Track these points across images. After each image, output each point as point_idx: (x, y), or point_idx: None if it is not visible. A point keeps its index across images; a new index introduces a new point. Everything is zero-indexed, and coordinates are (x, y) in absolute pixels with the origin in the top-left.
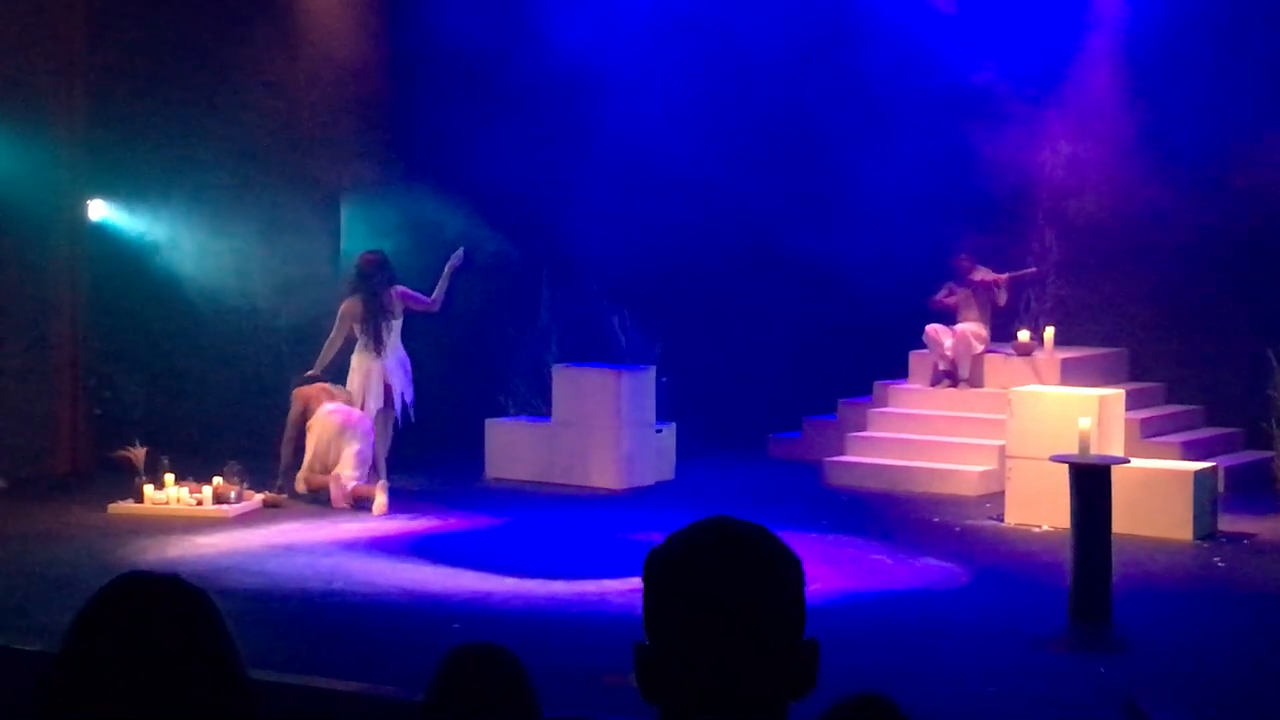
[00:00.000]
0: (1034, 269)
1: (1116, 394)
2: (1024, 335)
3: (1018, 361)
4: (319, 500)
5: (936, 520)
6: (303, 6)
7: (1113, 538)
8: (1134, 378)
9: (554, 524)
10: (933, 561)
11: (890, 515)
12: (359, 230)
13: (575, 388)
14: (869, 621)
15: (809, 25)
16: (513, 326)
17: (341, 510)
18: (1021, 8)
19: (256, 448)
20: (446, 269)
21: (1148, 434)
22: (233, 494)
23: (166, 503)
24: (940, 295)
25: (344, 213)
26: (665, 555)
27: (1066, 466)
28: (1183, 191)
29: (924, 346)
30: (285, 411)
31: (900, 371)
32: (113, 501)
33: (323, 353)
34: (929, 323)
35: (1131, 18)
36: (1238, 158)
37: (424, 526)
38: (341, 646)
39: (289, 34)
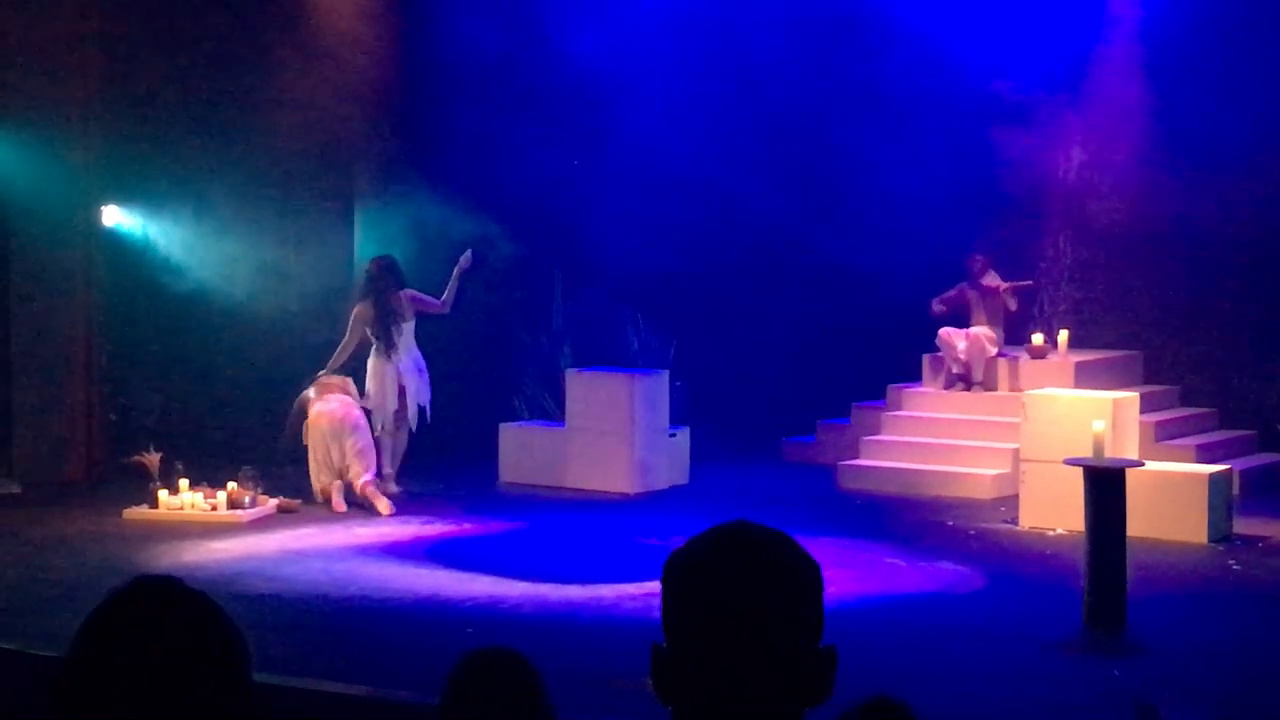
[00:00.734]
0: (1030, 282)
1: (1131, 397)
2: (1038, 338)
3: (1032, 364)
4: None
5: (950, 524)
6: (318, 14)
7: (1127, 541)
8: (1148, 380)
9: (568, 528)
10: (947, 565)
11: (904, 519)
12: (374, 236)
13: (589, 392)
14: (883, 625)
15: (823, 28)
16: (526, 331)
17: (344, 514)
18: (1038, 9)
19: (271, 453)
20: (455, 271)
21: (1162, 437)
22: (247, 499)
23: (181, 508)
24: (938, 302)
25: (359, 218)
26: (685, 558)
27: (1081, 470)
28: (1198, 194)
29: (937, 350)
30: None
31: (914, 375)
32: (128, 507)
33: (335, 356)
34: (941, 326)
35: (1148, 20)
36: (1254, 160)
37: (438, 531)
38: (356, 651)
39: (304, 40)
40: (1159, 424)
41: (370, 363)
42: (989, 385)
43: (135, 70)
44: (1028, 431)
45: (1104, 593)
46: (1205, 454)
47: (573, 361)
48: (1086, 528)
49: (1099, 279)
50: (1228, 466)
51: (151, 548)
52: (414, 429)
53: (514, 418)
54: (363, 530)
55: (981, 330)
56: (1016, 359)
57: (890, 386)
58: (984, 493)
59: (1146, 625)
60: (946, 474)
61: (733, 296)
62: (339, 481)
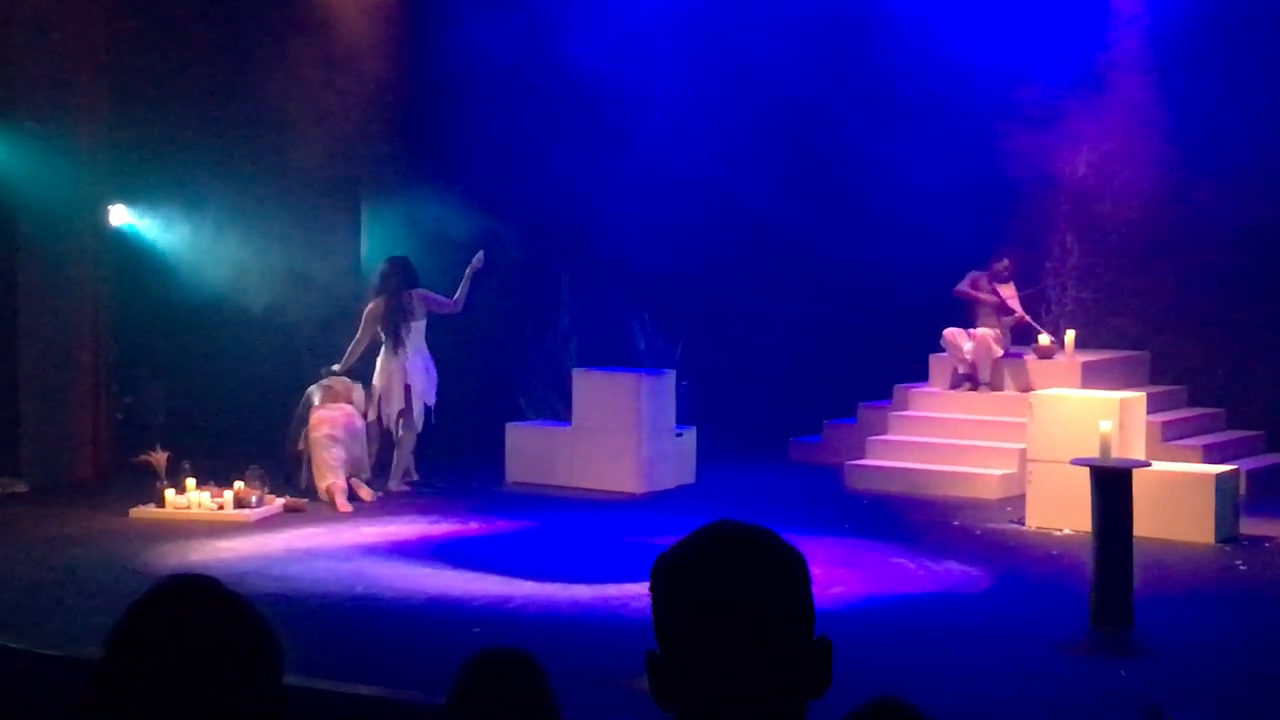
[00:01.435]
0: (1052, 341)
1: (1138, 397)
2: (1045, 338)
3: (1038, 364)
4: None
5: (957, 524)
6: (328, 17)
7: (1134, 541)
8: (1155, 380)
9: (574, 528)
10: (953, 565)
11: (911, 519)
12: (380, 236)
13: (595, 392)
14: (889, 625)
15: (829, 29)
16: (532, 331)
17: (350, 514)
18: (1046, 10)
19: (278, 452)
20: (468, 271)
21: (1169, 437)
22: (254, 498)
23: (188, 507)
24: (965, 285)
25: (366, 219)
26: (671, 562)
27: (1087, 470)
28: (1207, 194)
29: (943, 350)
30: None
31: (920, 375)
32: (135, 506)
33: (348, 352)
34: (947, 326)
35: (1157, 21)
36: (1263, 161)
37: (445, 531)
38: (362, 650)
39: (313, 40)
40: (1166, 424)
41: (379, 360)
42: (995, 385)
43: (142, 71)
44: (1034, 432)
45: (1110, 593)
46: (1212, 454)
47: (579, 361)
48: (1093, 528)
49: (1106, 279)
50: (1234, 467)
51: (158, 547)
52: (419, 428)
53: (521, 417)
54: (369, 530)
55: (988, 331)
56: (1023, 359)
57: (896, 386)
58: (991, 493)
59: (1153, 625)
60: (953, 474)
61: (739, 296)
62: (341, 483)
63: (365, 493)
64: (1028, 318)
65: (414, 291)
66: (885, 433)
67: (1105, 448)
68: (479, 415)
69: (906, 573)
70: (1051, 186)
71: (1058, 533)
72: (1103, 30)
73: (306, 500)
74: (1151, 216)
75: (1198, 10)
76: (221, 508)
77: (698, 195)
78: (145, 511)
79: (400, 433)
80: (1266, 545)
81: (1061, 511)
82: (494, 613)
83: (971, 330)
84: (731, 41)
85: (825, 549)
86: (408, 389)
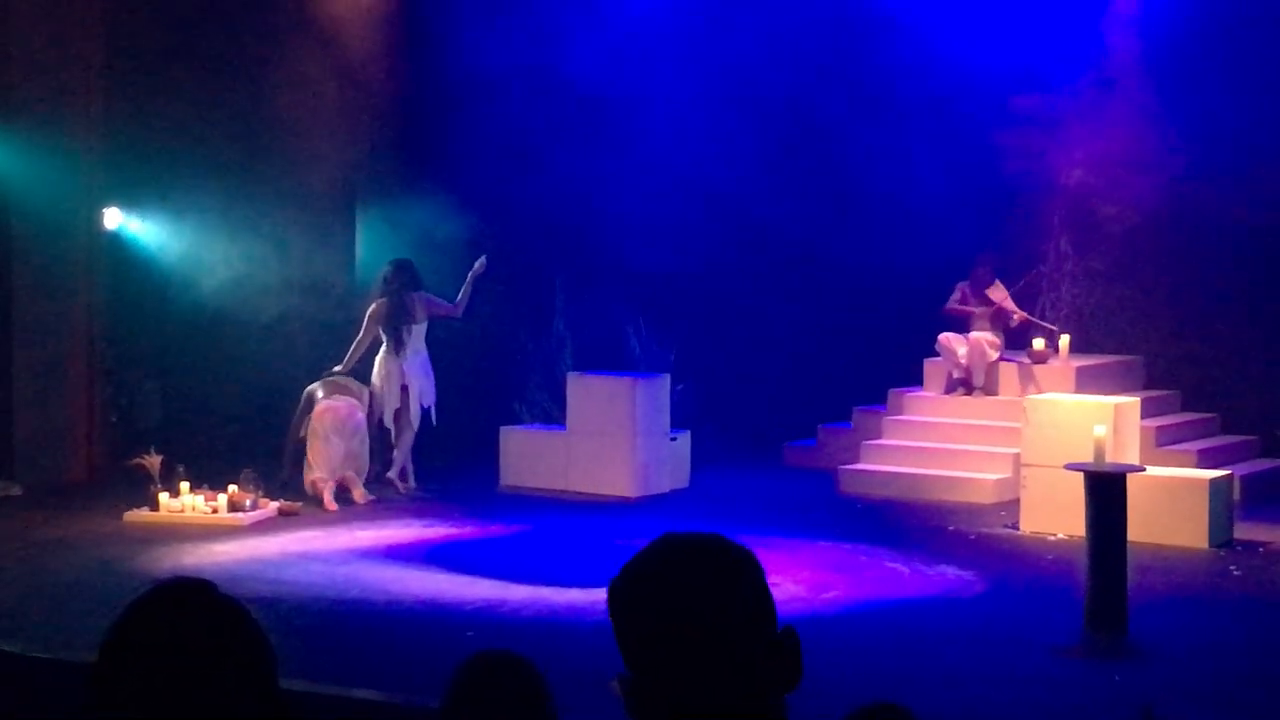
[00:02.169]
0: (1056, 328)
1: (1132, 402)
2: (1039, 343)
3: (1033, 369)
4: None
5: (951, 528)
6: (325, 16)
7: (1128, 546)
8: (1149, 385)
9: (569, 532)
10: (948, 570)
11: (905, 523)
12: (376, 240)
13: (590, 395)
14: (884, 629)
15: (826, 34)
16: (528, 334)
17: (339, 513)
18: (1043, 14)
19: (272, 456)
20: (470, 275)
21: (1163, 442)
22: (248, 502)
23: (182, 510)
24: (953, 302)
25: (360, 223)
26: (627, 581)
27: (1082, 474)
28: (1202, 199)
29: (938, 354)
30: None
31: (915, 379)
32: (128, 509)
33: (350, 353)
34: (942, 330)
35: (1153, 24)
36: (1259, 165)
37: (439, 534)
38: (357, 654)
39: (310, 43)
40: (1160, 429)
41: (378, 360)
42: (990, 390)
43: (138, 72)
44: (1029, 436)
45: (1105, 597)
46: (1206, 459)
47: (574, 365)
48: (1087, 533)
49: (1101, 283)
50: (1229, 472)
51: (152, 550)
52: (416, 429)
53: (515, 421)
54: (364, 533)
55: (983, 335)
56: (1018, 363)
57: (891, 390)
58: (985, 497)
59: (1147, 630)
60: (947, 478)
61: (734, 300)
62: (332, 481)
63: (358, 494)
64: (1029, 317)
65: (416, 294)
66: (880, 437)
67: (1099, 452)
68: (474, 418)
69: (901, 577)
70: (1047, 191)
71: (1052, 537)
72: (1101, 34)
73: (301, 504)
74: (1147, 221)
75: (1195, 14)
76: (215, 511)
77: (693, 199)
78: (139, 515)
79: (397, 433)
80: (1261, 550)
81: (1056, 516)
82: (488, 616)
83: (967, 335)
84: (728, 46)
85: (819, 553)
86: (404, 389)
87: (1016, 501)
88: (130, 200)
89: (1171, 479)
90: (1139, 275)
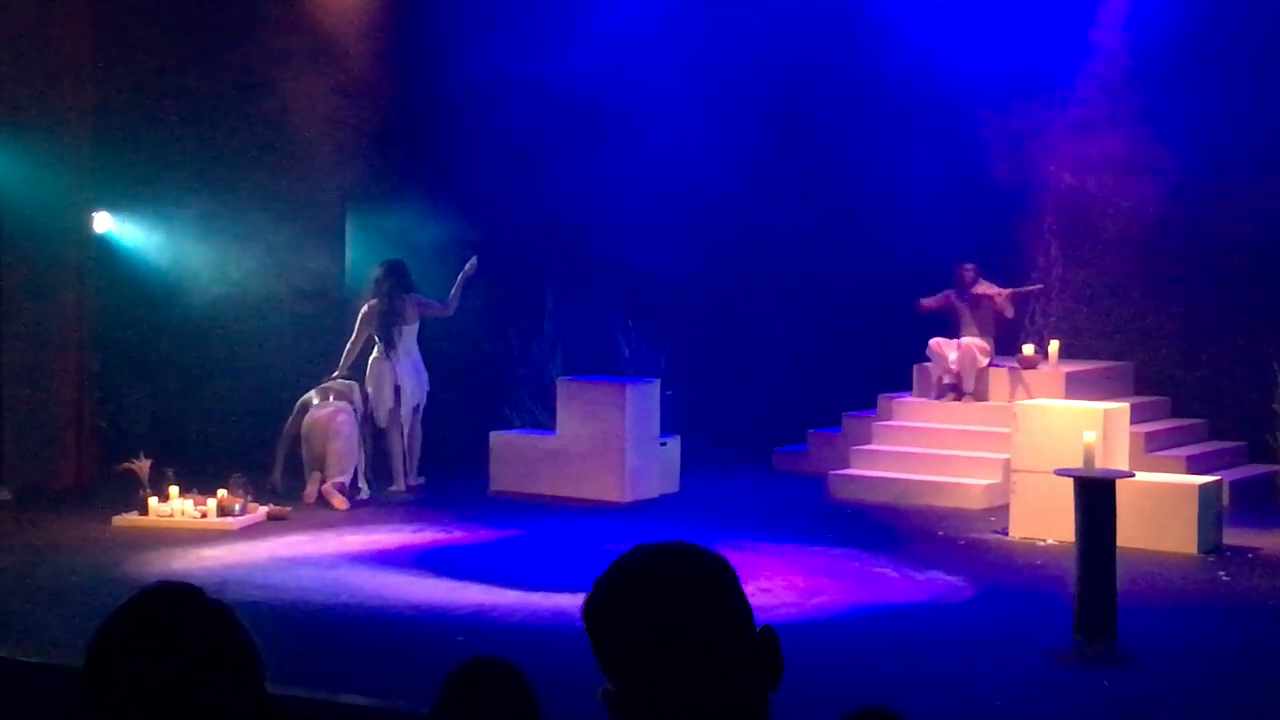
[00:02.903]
0: (1039, 285)
1: (1121, 408)
2: (1029, 349)
3: (1023, 374)
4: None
5: (941, 534)
6: (316, 21)
7: (1117, 551)
8: (1139, 391)
9: (558, 537)
10: (937, 575)
11: (895, 528)
12: (365, 244)
13: (580, 400)
14: (874, 635)
15: (815, 36)
16: (517, 339)
17: (332, 520)
18: (1031, 18)
19: (261, 460)
20: (460, 276)
21: (1152, 448)
22: (237, 506)
23: (171, 515)
24: (928, 300)
25: (350, 227)
26: (600, 599)
27: (1071, 480)
28: (1189, 204)
29: (927, 360)
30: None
31: (905, 385)
32: (117, 514)
33: (344, 355)
34: (933, 335)
35: (1140, 29)
36: (1246, 171)
37: (428, 539)
38: (346, 659)
39: (299, 48)
40: (1149, 434)
41: (370, 362)
42: (980, 395)
43: (128, 78)
44: (1018, 442)
45: (1094, 603)
46: (1195, 465)
47: (564, 370)
48: (1077, 538)
49: (1090, 289)
50: (1218, 478)
51: (141, 555)
52: (406, 428)
53: (505, 426)
54: (353, 538)
55: (973, 341)
56: (1008, 369)
57: (881, 396)
58: (974, 503)
59: (1137, 635)
60: (937, 484)
61: (724, 305)
62: (317, 473)
63: (338, 501)
64: (1014, 290)
65: (408, 295)
66: (870, 442)
67: (1089, 458)
68: (463, 423)
69: (890, 582)
70: (1038, 196)
71: (1041, 543)
72: (1092, 41)
73: (290, 508)
74: (1138, 227)
75: (1187, 20)
76: (205, 516)
77: (684, 204)
78: (128, 519)
79: (391, 435)
80: (1249, 556)
81: (1045, 522)
82: (478, 621)
83: (958, 341)
84: (719, 51)
85: (809, 559)
86: (397, 390)
87: (1006, 507)
88: (120, 204)
89: (1161, 485)
90: (1129, 281)
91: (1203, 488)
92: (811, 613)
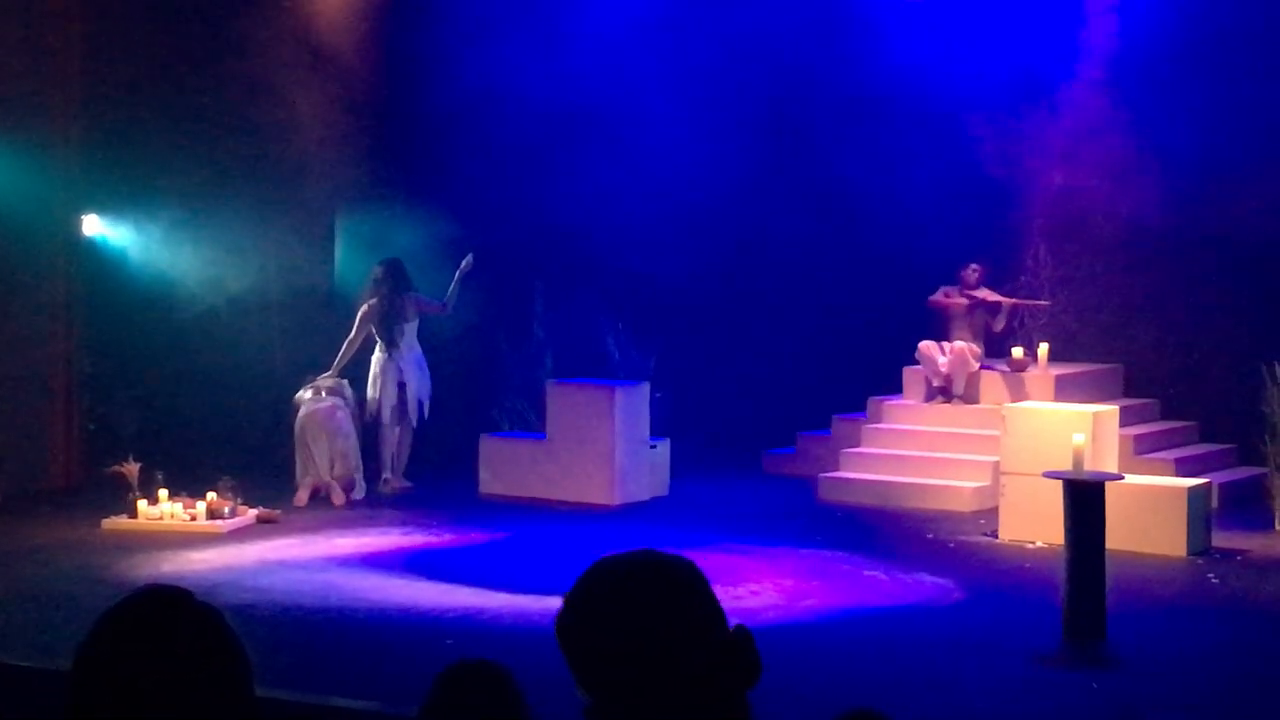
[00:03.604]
0: (1048, 302)
1: (1110, 410)
2: (1018, 351)
3: (1012, 377)
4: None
5: (930, 536)
6: (306, 23)
7: (1107, 554)
8: (1128, 394)
9: (548, 540)
10: (926, 577)
11: (884, 531)
12: (354, 248)
13: (569, 403)
14: (863, 637)
15: (804, 39)
16: (507, 342)
17: (332, 517)
18: (1023, 21)
19: (250, 463)
20: (457, 274)
21: (1141, 450)
22: (226, 509)
23: (160, 518)
24: (938, 295)
25: (338, 227)
26: (572, 614)
27: (1060, 483)
28: (1177, 207)
29: (917, 362)
30: (281, 429)
31: (894, 387)
32: (106, 517)
33: (341, 352)
34: (922, 338)
35: (1128, 32)
36: (1233, 173)
37: (418, 542)
38: (335, 663)
39: (290, 51)
40: (1138, 437)
41: (373, 360)
42: (970, 398)
43: (116, 81)
44: (1008, 444)
45: (1083, 606)
46: (1184, 467)
47: (553, 373)
48: (1066, 541)
49: (1079, 292)
50: (1207, 480)
51: (130, 558)
52: (415, 424)
53: (494, 429)
54: (343, 541)
55: (965, 344)
56: (997, 371)
57: (871, 399)
58: (964, 505)
59: (1125, 638)
60: (926, 486)
61: (713, 308)
62: (309, 478)
63: (337, 497)
64: (1017, 300)
65: (407, 294)
66: (859, 445)
67: (1078, 461)
68: (453, 426)
69: (879, 585)
70: (1026, 199)
71: (1030, 545)
72: (1080, 44)
73: (280, 511)
74: (1124, 229)
75: (1178, 23)
76: (194, 519)
77: (673, 207)
78: (117, 522)
79: (396, 430)
80: (1238, 558)
81: (1034, 524)
82: (467, 624)
83: (950, 344)
84: (706, 55)
85: (798, 561)
86: (402, 387)
87: (995, 509)
88: (109, 208)
89: (1150, 487)
90: (1118, 284)
91: (1192, 490)
92: (800, 615)
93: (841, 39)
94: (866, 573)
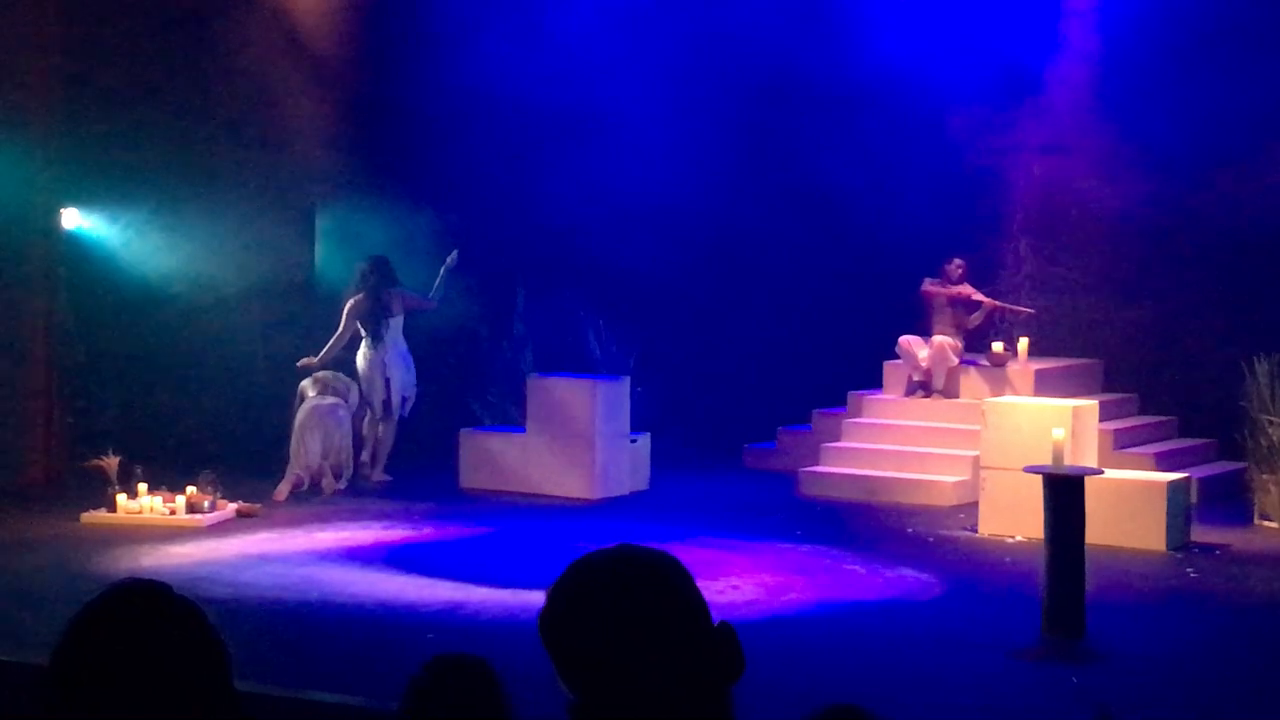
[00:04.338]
0: (1031, 310)
1: (1090, 405)
2: (998, 346)
3: (992, 372)
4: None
5: (910, 531)
6: (286, 18)
7: (1086, 548)
8: (1108, 389)
9: (528, 534)
10: (907, 572)
11: (864, 525)
12: (334, 242)
13: (550, 398)
14: (843, 632)
15: (786, 38)
16: (488, 336)
17: (313, 511)
18: (1004, 16)
19: (230, 457)
20: (443, 269)
21: (1121, 445)
22: (206, 503)
23: (140, 512)
24: (927, 285)
25: (318, 221)
26: (554, 614)
27: (1040, 477)
28: (1156, 203)
29: (898, 357)
30: (260, 422)
31: (875, 382)
32: (86, 511)
33: (328, 346)
34: (903, 333)
35: (1106, 27)
36: (1212, 168)
37: (398, 536)
38: (315, 657)
39: (272, 45)
40: (1118, 432)
41: (360, 354)
42: (950, 393)
43: (96, 73)
44: (988, 439)
45: (1063, 600)
46: (1164, 462)
47: (534, 367)
48: (1046, 535)
49: (1059, 287)
50: (1186, 475)
51: (109, 552)
52: (398, 417)
53: (475, 423)
54: (323, 535)
55: (945, 339)
56: (977, 366)
57: (851, 393)
58: (944, 500)
59: (1105, 632)
60: (907, 481)
61: (695, 303)
62: (294, 473)
63: (327, 483)
64: (998, 302)
65: (393, 289)
66: (839, 439)
67: (1058, 455)
68: (434, 420)
69: (860, 579)
70: (1007, 195)
71: (1010, 540)
72: (1059, 39)
73: (260, 505)
74: (1103, 224)
75: (1158, 20)
76: (174, 513)
77: (654, 202)
78: (97, 516)
79: (381, 424)
80: (1217, 553)
81: (1014, 519)
82: (448, 619)
83: (930, 339)
84: (687, 49)
85: (779, 555)
86: (388, 381)
87: (975, 504)
88: (89, 201)
89: (1129, 482)
90: (1098, 279)
91: (1171, 485)
92: (781, 609)
93: (822, 35)
94: (847, 567)
